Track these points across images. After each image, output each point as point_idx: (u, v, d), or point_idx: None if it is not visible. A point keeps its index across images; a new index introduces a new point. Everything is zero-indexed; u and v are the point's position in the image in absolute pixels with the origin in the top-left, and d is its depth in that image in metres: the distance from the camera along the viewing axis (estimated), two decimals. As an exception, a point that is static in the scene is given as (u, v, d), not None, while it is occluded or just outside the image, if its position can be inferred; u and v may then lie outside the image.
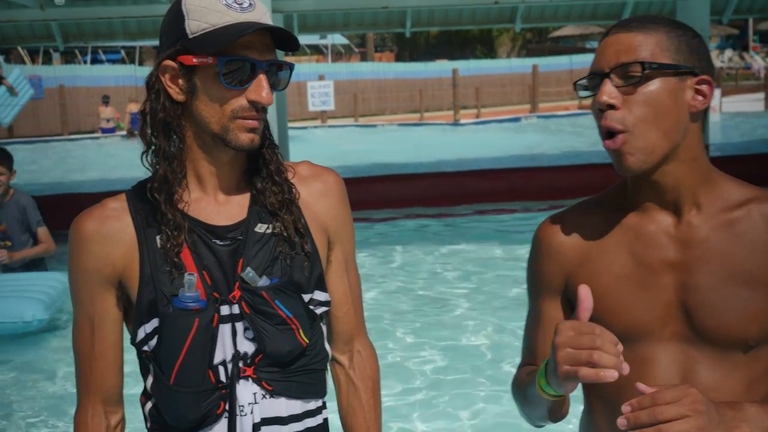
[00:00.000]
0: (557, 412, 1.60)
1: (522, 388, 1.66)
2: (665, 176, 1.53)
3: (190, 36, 1.56)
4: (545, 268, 1.67)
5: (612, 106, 1.48)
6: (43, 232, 6.83)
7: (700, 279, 1.52)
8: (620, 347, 1.37)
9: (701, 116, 1.54)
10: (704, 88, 1.51)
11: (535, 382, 1.52)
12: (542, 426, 1.74)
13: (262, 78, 1.56)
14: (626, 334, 1.52)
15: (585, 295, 1.40)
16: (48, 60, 35.35)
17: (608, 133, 1.50)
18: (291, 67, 1.64)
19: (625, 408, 1.34)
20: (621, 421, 1.34)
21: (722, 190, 1.56)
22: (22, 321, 6.30)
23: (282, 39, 1.59)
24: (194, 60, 1.55)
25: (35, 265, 6.91)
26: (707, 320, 1.51)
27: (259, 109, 1.58)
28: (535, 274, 1.70)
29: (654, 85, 1.48)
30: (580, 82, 1.56)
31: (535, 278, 1.70)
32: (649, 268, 1.55)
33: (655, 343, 1.55)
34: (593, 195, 1.71)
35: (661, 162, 1.51)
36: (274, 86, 1.61)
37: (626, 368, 1.34)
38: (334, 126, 28.62)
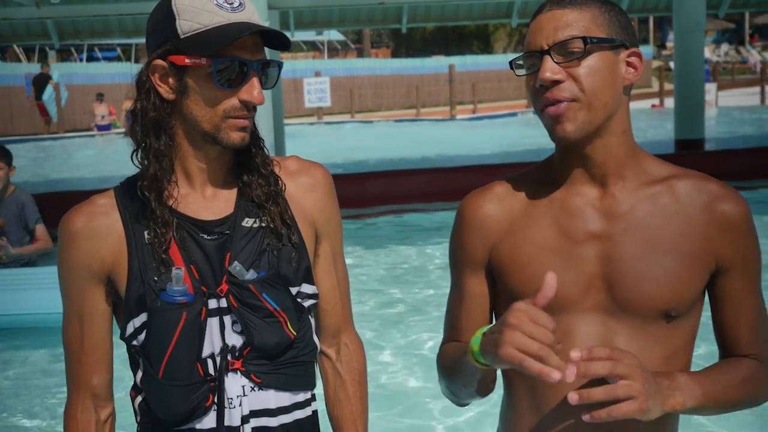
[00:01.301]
0: (486, 385, 1.61)
1: (450, 362, 1.66)
2: (596, 149, 1.56)
3: (182, 36, 1.56)
4: (468, 241, 1.68)
5: (557, 82, 1.51)
6: (40, 229, 6.86)
7: (623, 250, 1.55)
8: (559, 346, 1.38)
9: (629, 90, 1.59)
10: (634, 60, 1.56)
11: (468, 350, 1.53)
12: (468, 404, 1.75)
13: (254, 78, 1.58)
14: (549, 305, 1.52)
15: (550, 282, 1.41)
16: (44, 58, 35.28)
17: (549, 104, 1.52)
18: (280, 65, 1.66)
19: (575, 354, 1.38)
20: (570, 373, 1.36)
21: (646, 165, 1.61)
22: (55, 312, 6.27)
23: (272, 37, 1.60)
24: (187, 60, 1.56)
25: (31, 263, 6.93)
26: (629, 291, 1.54)
27: (250, 108, 1.60)
28: (458, 247, 1.70)
29: (595, 59, 1.51)
30: (516, 62, 1.58)
31: (458, 252, 1.71)
32: (573, 239, 1.58)
33: (576, 315, 1.57)
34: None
35: (595, 133, 1.54)
36: (263, 84, 1.62)
37: (572, 376, 1.36)
38: (330, 122, 28.62)
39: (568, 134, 1.52)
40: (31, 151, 22.00)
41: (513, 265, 1.61)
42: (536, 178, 1.66)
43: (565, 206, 1.60)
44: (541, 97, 1.53)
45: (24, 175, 15.20)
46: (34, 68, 29.24)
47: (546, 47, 1.52)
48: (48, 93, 25.52)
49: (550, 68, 1.50)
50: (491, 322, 1.70)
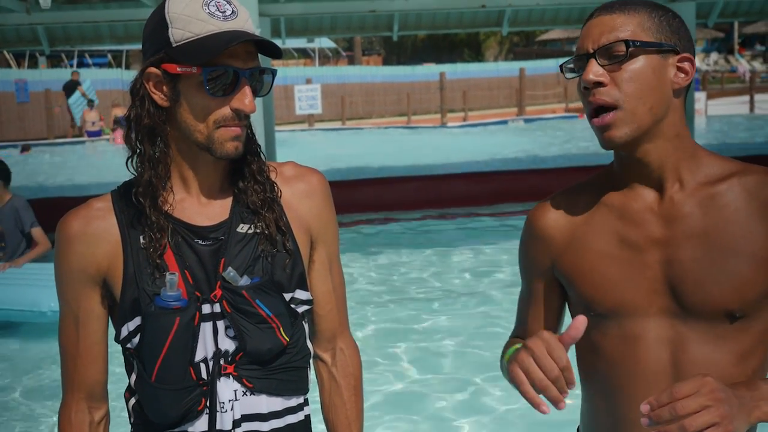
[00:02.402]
0: None
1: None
2: (650, 153, 1.57)
3: (174, 45, 1.57)
4: (533, 250, 1.73)
5: (599, 84, 1.53)
6: (37, 232, 6.99)
7: (684, 253, 1.56)
8: (569, 388, 1.41)
9: (683, 93, 1.59)
10: (686, 65, 1.56)
11: (504, 356, 1.58)
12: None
13: (246, 86, 1.58)
14: (614, 311, 1.57)
15: (579, 323, 1.43)
16: (34, 64, 35.19)
17: (596, 111, 1.54)
18: (273, 72, 1.66)
19: (644, 407, 1.34)
20: (644, 420, 1.34)
21: (705, 165, 1.60)
22: (39, 310, 6.47)
23: (265, 45, 1.60)
24: (178, 69, 1.57)
25: None
26: (692, 294, 1.54)
27: (242, 117, 1.60)
28: (524, 256, 1.77)
29: (638, 63, 1.53)
30: (567, 65, 1.60)
31: (524, 260, 1.78)
32: (633, 245, 1.59)
33: (643, 320, 1.58)
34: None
35: (645, 137, 1.55)
36: (256, 92, 1.63)
37: (562, 406, 1.39)
38: (321, 129, 28.62)
39: (615, 140, 1.54)
40: (20, 156, 21.92)
41: (576, 274, 1.64)
42: (596, 186, 1.68)
43: (624, 213, 1.62)
44: (586, 99, 1.56)
45: (14, 182, 15.15)
46: (24, 74, 29.18)
47: (591, 50, 1.54)
48: (75, 98, 26.68)
49: (593, 70, 1.53)
50: (558, 322, 1.77)
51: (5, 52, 31.76)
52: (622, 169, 1.63)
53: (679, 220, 1.57)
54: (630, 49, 1.51)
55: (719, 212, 1.56)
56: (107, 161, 19.56)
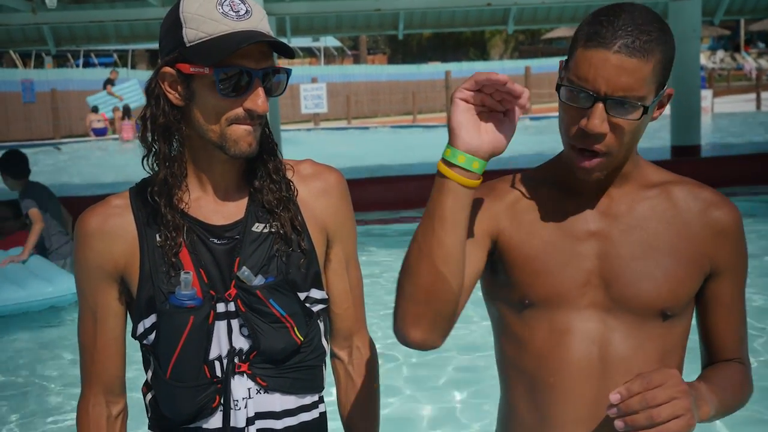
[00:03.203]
0: (458, 231, 1.49)
1: (418, 238, 1.51)
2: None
3: (187, 45, 1.57)
4: (479, 216, 1.64)
5: (601, 134, 1.49)
6: (33, 212, 7.27)
7: (621, 249, 1.59)
8: (527, 93, 1.43)
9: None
10: (664, 99, 1.57)
11: (439, 178, 1.48)
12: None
13: (258, 87, 1.58)
14: (547, 302, 1.57)
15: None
16: (40, 64, 35.29)
17: (584, 151, 1.52)
18: (288, 72, 1.65)
19: (614, 397, 1.37)
20: (611, 411, 1.37)
21: (645, 171, 1.65)
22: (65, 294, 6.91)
23: (277, 45, 1.60)
24: (191, 69, 1.57)
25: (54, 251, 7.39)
26: (626, 289, 1.57)
27: (254, 116, 1.59)
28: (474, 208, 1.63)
29: (644, 119, 1.51)
30: (565, 89, 1.51)
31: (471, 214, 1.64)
32: (573, 237, 1.61)
33: (574, 312, 1.59)
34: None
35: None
36: (270, 92, 1.62)
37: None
38: (326, 128, 28.63)
39: (593, 179, 1.55)
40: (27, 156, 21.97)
41: (518, 260, 1.62)
42: (543, 176, 1.69)
43: (567, 205, 1.63)
44: (579, 139, 1.51)
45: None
46: (30, 74, 29.24)
47: (603, 94, 1.46)
48: (97, 97, 27.35)
49: (600, 119, 1.47)
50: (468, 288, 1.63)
51: (11, 52, 31.85)
52: (571, 173, 1.61)
53: (618, 217, 1.61)
54: (644, 116, 1.49)
55: (656, 214, 1.61)
56: (113, 159, 19.59)
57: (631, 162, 1.61)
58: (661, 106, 1.58)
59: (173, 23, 1.59)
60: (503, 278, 1.65)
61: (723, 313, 1.65)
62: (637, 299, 1.56)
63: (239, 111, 1.58)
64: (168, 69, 1.59)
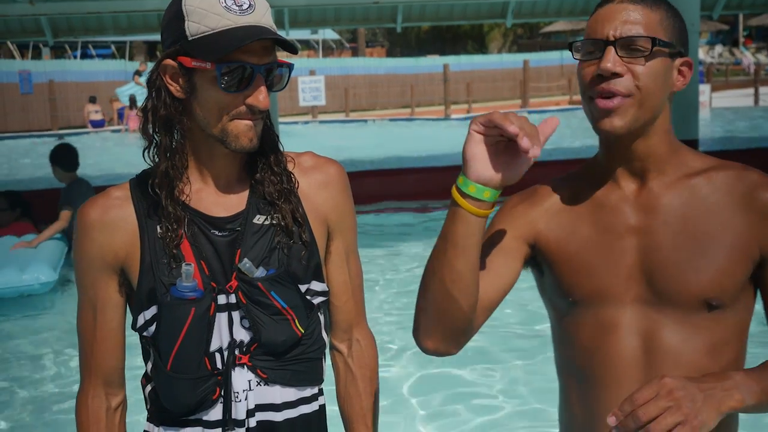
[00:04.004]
0: (468, 256, 1.50)
1: (431, 258, 1.55)
2: (638, 146, 1.58)
3: (190, 38, 1.56)
4: (516, 216, 1.68)
5: (616, 75, 1.51)
6: (63, 213, 7.51)
7: (661, 241, 1.57)
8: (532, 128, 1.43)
9: (674, 94, 1.61)
10: (685, 69, 1.58)
11: (451, 205, 1.50)
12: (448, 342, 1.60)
13: (260, 82, 1.57)
14: (591, 298, 1.57)
15: (552, 119, 1.47)
16: (38, 55, 35.18)
17: (603, 95, 1.53)
18: (290, 66, 1.65)
19: (611, 420, 1.36)
20: None
21: (686, 159, 1.62)
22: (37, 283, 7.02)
23: (281, 40, 1.59)
24: (193, 63, 1.57)
25: None
26: (668, 281, 1.55)
27: (256, 112, 1.59)
28: (511, 211, 1.70)
29: (656, 61, 1.53)
30: (576, 44, 1.57)
31: (511, 215, 1.69)
32: (612, 233, 1.60)
33: (618, 307, 1.59)
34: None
35: (640, 130, 1.56)
36: (272, 87, 1.62)
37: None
38: (325, 121, 28.60)
39: (616, 128, 1.53)
40: (24, 147, 21.96)
41: (558, 259, 1.63)
42: (579, 177, 1.69)
43: (604, 202, 1.63)
44: (595, 85, 1.53)
45: (18, 173, 15.16)
46: (28, 65, 29.17)
47: (612, 38, 1.52)
48: (125, 88, 27.43)
49: (613, 60, 1.51)
50: (502, 292, 1.68)
51: (9, 43, 31.76)
52: (607, 160, 1.63)
53: (658, 209, 1.59)
54: (654, 48, 1.51)
55: (698, 203, 1.58)
56: (112, 151, 19.58)
57: (666, 145, 1.59)
58: (681, 74, 1.58)
59: (175, 15, 1.58)
60: (548, 279, 1.67)
61: None
62: (679, 292, 1.54)
63: (241, 106, 1.58)
64: (169, 61, 1.59)
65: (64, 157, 7.77)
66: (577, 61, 1.58)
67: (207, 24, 1.55)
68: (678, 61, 1.57)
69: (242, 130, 1.59)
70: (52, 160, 7.75)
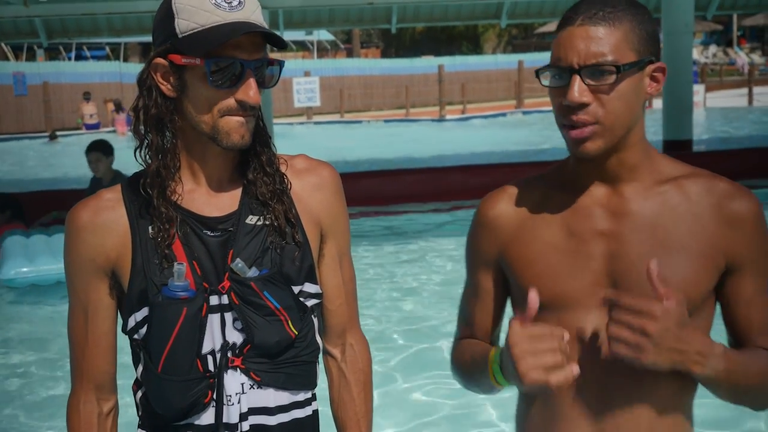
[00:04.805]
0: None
1: (468, 368, 1.71)
2: (612, 159, 1.57)
3: (180, 35, 1.56)
4: (481, 240, 1.72)
5: (584, 104, 1.50)
6: None
7: (630, 248, 1.57)
8: (567, 336, 1.45)
9: (647, 100, 1.60)
10: (659, 75, 1.56)
11: (488, 372, 1.58)
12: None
13: (251, 78, 1.57)
14: (554, 302, 1.56)
15: (533, 298, 1.46)
16: (32, 56, 35.13)
17: (575, 126, 1.52)
18: (281, 64, 1.65)
19: (608, 291, 1.46)
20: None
21: (659, 165, 1.62)
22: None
23: (268, 36, 1.59)
24: (183, 60, 1.56)
25: None
26: (633, 288, 1.54)
27: (247, 108, 1.58)
28: (472, 246, 1.76)
29: (624, 84, 1.50)
30: (542, 73, 1.56)
31: (472, 250, 1.76)
32: (580, 237, 1.60)
33: (582, 312, 1.58)
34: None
35: (615, 146, 1.55)
36: (262, 84, 1.61)
37: (577, 368, 1.43)
38: (319, 122, 28.59)
39: (590, 154, 1.53)
40: (18, 149, 21.92)
41: (522, 264, 1.64)
42: (551, 179, 1.69)
43: (574, 206, 1.62)
44: (566, 115, 1.52)
45: (13, 174, 15.14)
46: (22, 67, 29.12)
47: (577, 66, 1.49)
48: None
49: (579, 90, 1.49)
50: (501, 317, 1.77)
51: (3, 45, 31.72)
52: (578, 166, 1.62)
53: (628, 215, 1.58)
54: (620, 74, 1.49)
55: (668, 211, 1.57)
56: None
57: (640, 153, 1.59)
58: (654, 80, 1.56)
59: (166, 14, 1.58)
60: (514, 283, 1.68)
61: (744, 308, 1.59)
62: (646, 297, 1.52)
63: (231, 102, 1.57)
64: (160, 60, 1.59)
65: (101, 143, 7.80)
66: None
67: (196, 21, 1.54)
68: (649, 68, 1.54)
69: (233, 126, 1.58)
70: (92, 149, 7.74)
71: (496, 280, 1.72)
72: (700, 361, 1.45)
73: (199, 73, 1.56)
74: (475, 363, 1.65)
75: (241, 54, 1.55)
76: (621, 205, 1.59)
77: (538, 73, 1.57)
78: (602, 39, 1.49)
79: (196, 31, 1.55)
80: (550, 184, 1.68)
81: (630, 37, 1.50)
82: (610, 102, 1.50)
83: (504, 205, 1.69)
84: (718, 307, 1.63)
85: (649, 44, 1.53)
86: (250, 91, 1.57)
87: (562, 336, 1.44)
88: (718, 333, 1.60)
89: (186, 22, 1.55)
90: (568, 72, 1.50)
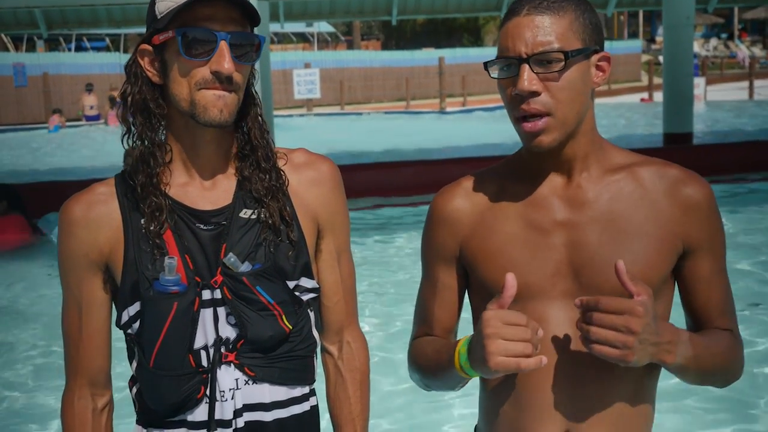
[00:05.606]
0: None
1: (430, 362, 1.70)
2: (565, 149, 1.59)
3: (158, 17, 1.58)
4: (439, 236, 1.72)
5: (534, 93, 1.52)
6: None
7: (589, 236, 1.59)
8: (541, 333, 1.48)
9: (594, 90, 1.62)
10: (603, 64, 1.59)
11: (453, 363, 1.57)
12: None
13: (224, 48, 1.56)
14: (518, 293, 1.56)
15: (510, 281, 1.47)
16: (32, 47, 35.09)
17: (525, 117, 1.54)
18: (261, 39, 1.63)
19: (576, 302, 1.46)
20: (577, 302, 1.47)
21: (609, 155, 1.65)
22: None
23: (244, 7, 1.58)
24: (159, 38, 1.57)
25: None
26: (595, 276, 1.57)
27: (223, 80, 1.57)
28: (429, 241, 1.75)
29: (571, 72, 1.53)
30: (491, 65, 1.57)
31: (429, 246, 1.75)
32: (539, 229, 1.62)
33: (546, 302, 1.60)
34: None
35: (567, 139, 1.57)
36: (242, 59, 1.59)
37: (545, 360, 1.45)
38: (320, 114, 28.56)
39: (544, 146, 1.55)
40: (18, 140, 21.90)
41: (482, 257, 1.65)
42: (505, 171, 1.70)
43: (531, 197, 1.63)
44: (517, 106, 1.54)
45: (13, 166, 15.13)
46: (22, 58, 29.08)
47: (525, 55, 1.52)
48: None
49: (528, 78, 1.51)
50: (459, 314, 1.77)
51: (3, 36, 31.66)
52: (531, 157, 1.63)
53: (585, 204, 1.61)
54: (568, 61, 1.51)
55: (624, 198, 1.60)
56: (103, 145, 19.54)
57: (591, 142, 1.61)
58: (600, 70, 1.58)
59: (151, 2, 1.61)
60: (475, 277, 1.68)
61: (703, 290, 1.64)
62: (607, 285, 1.55)
63: (206, 73, 1.56)
64: (145, 46, 1.60)
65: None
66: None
67: (174, 0, 1.56)
68: (594, 58, 1.57)
69: (210, 100, 1.57)
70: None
71: (456, 275, 1.72)
72: (671, 350, 1.48)
73: (174, 47, 1.57)
74: (439, 355, 1.65)
75: (213, 25, 1.56)
76: (577, 194, 1.61)
77: (486, 65, 1.58)
78: (548, 27, 1.52)
79: (171, 9, 1.56)
80: (505, 176, 1.69)
81: (575, 26, 1.54)
82: (560, 91, 1.52)
83: (460, 199, 1.70)
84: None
85: (593, 33, 1.56)
86: (223, 60, 1.55)
87: (537, 329, 1.46)
88: (674, 318, 1.63)
89: (165, 3, 1.57)
90: (516, 62, 1.53)
